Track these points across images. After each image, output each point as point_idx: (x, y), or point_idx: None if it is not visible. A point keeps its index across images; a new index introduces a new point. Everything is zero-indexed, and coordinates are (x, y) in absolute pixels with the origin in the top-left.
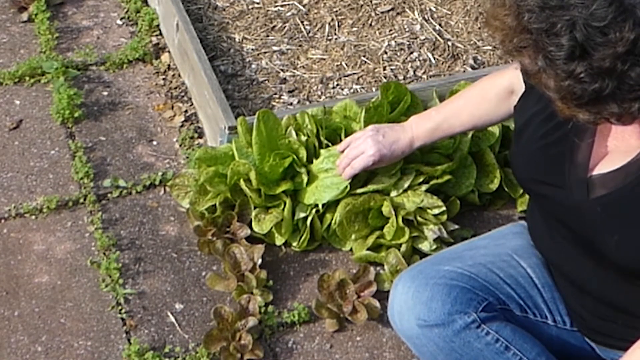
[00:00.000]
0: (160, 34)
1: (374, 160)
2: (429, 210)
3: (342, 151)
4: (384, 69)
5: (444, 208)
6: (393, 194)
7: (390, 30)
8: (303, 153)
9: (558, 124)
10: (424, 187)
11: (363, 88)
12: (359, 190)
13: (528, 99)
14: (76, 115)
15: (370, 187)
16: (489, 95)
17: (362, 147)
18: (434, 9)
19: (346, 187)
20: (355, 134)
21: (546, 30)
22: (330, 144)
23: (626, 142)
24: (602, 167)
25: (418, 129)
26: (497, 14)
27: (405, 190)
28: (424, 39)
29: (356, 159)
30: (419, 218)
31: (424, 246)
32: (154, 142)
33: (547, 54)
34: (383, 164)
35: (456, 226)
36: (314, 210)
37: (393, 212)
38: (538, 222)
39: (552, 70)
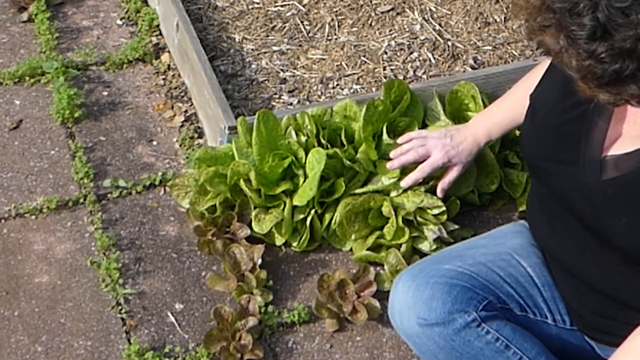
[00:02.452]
0: (160, 34)
1: (442, 162)
2: (428, 210)
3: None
4: (384, 69)
5: (444, 208)
6: (393, 194)
7: (390, 30)
8: (302, 154)
9: (577, 102)
10: (423, 187)
11: (363, 88)
12: (359, 191)
13: (548, 76)
14: (76, 115)
15: (370, 187)
16: None
17: (430, 147)
18: (434, 9)
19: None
20: (420, 132)
21: (569, 10)
22: (329, 145)
23: (638, 126)
24: (615, 149)
25: (482, 126)
26: None
27: (405, 190)
28: (424, 39)
29: (425, 162)
30: (419, 218)
31: (424, 246)
32: (154, 142)
33: (569, 34)
34: (458, 167)
35: (456, 226)
36: (313, 211)
37: (393, 212)
38: (539, 212)
39: (574, 50)
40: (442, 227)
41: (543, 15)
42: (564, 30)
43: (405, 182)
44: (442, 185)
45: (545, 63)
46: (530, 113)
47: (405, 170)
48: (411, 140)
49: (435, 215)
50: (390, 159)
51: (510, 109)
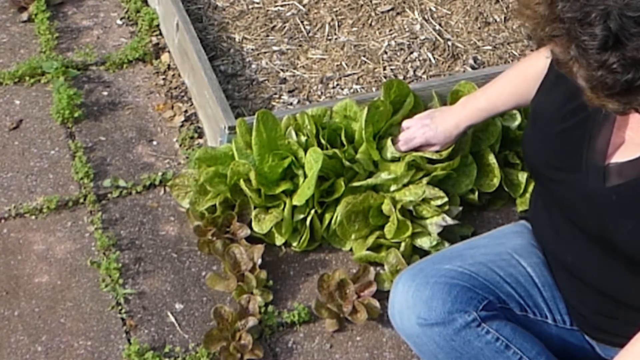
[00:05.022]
0: (160, 34)
1: (420, 142)
2: (431, 202)
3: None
4: (384, 69)
5: (446, 199)
6: (393, 187)
7: (390, 30)
8: (302, 154)
9: (578, 108)
10: (425, 180)
11: (363, 88)
12: (357, 184)
13: (548, 82)
14: (76, 115)
15: (370, 181)
16: (528, 76)
17: (412, 130)
18: (434, 9)
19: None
20: (408, 120)
21: (580, 20)
22: (329, 145)
23: None
24: (619, 157)
25: (464, 110)
26: (529, 3)
27: (405, 185)
28: (424, 39)
29: (403, 138)
30: (419, 208)
31: (425, 242)
32: (154, 142)
33: (580, 43)
34: (436, 147)
35: (457, 221)
36: (312, 211)
37: (393, 210)
38: (542, 214)
39: (584, 60)
40: (446, 214)
41: (552, 25)
42: (574, 40)
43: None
44: (406, 144)
45: (536, 55)
46: (532, 120)
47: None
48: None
49: (438, 206)
50: (391, 161)
51: (494, 97)
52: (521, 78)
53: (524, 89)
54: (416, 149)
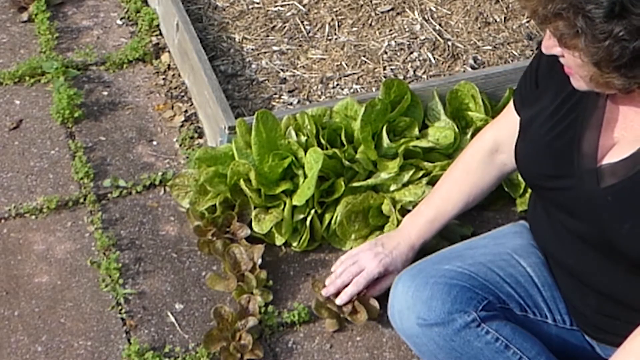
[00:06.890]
0: (160, 34)
1: (378, 271)
2: None
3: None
4: (384, 69)
5: None
6: (392, 187)
7: (390, 30)
8: (302, 154)
9: (564, 116)
10: (424, 180)
11: (363, 88)
12: (357, 184)
13: (534, 95)
14: (76, 115)
15: (370, 182)
16: (472, 168)
17: (362, 262)
18: (434, 9)
19: None
20: (351, 252)
21: None
22: (329, 145)
23: (634, 131)
24: (611, 157)
25: (414, 228)
26: None
27: (405, 185)
28: (424, 39)
29: (360, 275)
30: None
31: None
32: (154, 142)
33: (586, 14)
34: (390, 278)
35: (456, 221)
36: (312, 211)
37: (393, 210)
38: (541, 218)
39: (590, 31)
40: None
41: (554, 0)
42: (580, 12)
43: (341, 299)
44: (372, 293)
45: (473, 146)
46: (522, 134)
47: (404, 167)
48: (342, 263)
49: None
50: (390, 159)
51: (442, 203)
52: (465, 172)
53: (471, 184)
54: (364, 290)
